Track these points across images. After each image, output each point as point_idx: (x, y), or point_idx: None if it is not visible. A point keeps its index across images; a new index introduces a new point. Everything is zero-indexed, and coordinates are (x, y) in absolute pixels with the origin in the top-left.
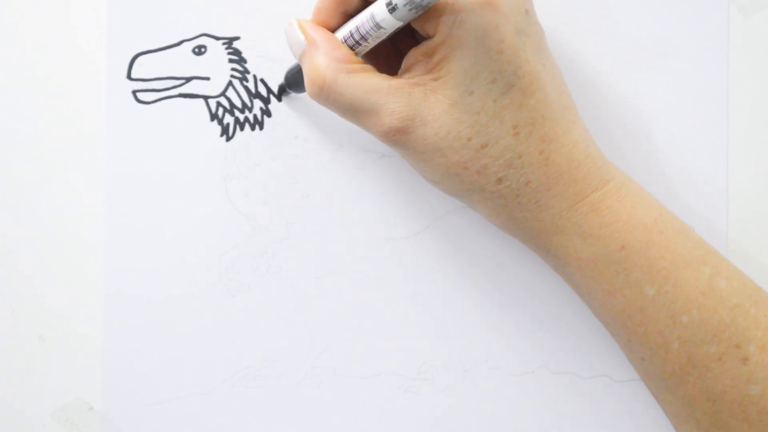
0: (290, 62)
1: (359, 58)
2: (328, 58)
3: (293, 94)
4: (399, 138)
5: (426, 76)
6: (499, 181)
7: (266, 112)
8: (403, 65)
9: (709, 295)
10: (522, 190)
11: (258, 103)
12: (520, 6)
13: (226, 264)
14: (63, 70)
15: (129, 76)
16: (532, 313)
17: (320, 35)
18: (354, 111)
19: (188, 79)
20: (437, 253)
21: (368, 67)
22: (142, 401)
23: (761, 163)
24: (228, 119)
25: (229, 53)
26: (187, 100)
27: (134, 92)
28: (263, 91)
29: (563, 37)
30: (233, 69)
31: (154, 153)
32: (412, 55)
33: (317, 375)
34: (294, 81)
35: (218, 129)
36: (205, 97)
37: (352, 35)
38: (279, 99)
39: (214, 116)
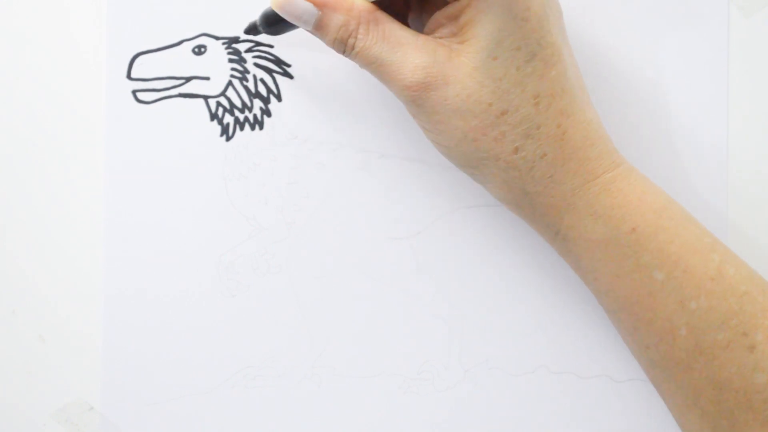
0: (290, 58)
1: (375, 6)
2: (351, 13)
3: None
4: (420, 95)
5: (452, 38)
6: (516, 150)
7: (266, 112)
8: (428, 27)
9: (719, 281)
10: (537, 162)
11: (258, 103)
12: None
13: (226, 264)
14: (63, 70)
15: (129, 76)
16: (532, 313)
17: None
18: (379, 63)
19: (188, 79)
20: (437, 253)
21: (389, 17)
22: (142, 401)
23: (761, 163)
24: (228, 119)
25: (229, 53)
26: (187, 99)
27: (134, 92)
28: (263, 90)
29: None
30: (233, 69)
31: (154, 153)
32: (438, 18)
33: (317, 375)
34: (273, 20)
35: (218, 129)
36: (205, 97)
37: None
38: (254, 33)
39: (214, 116)
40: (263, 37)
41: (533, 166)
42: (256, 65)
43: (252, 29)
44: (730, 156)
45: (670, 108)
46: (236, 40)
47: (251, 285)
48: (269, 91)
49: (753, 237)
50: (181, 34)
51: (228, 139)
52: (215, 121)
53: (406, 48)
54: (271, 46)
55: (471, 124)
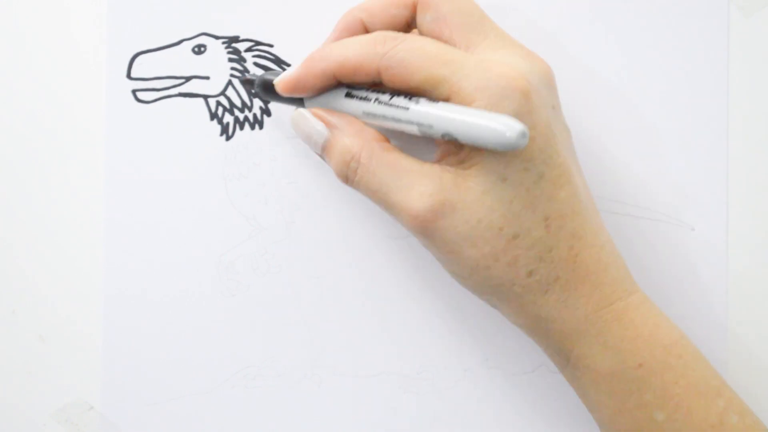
0: (290, 57)
1: (383, 135)
2: (358, 139)
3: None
4: (428, 225)
5: (458, 166)
6: (530, 274)
7: (266, 112)
8: (436, 155)
9: (719, 429)
10: (551, 286)
11: (258, 103)
12: (548, 101)
13: (226, 264)
14: (63, 69)
15: (129, 76)
16: None
17: (341, 119)
18: (384, 192)
19: (188, 79)
20: None
21: (395, 147)
22: (142, 401)
23: (761, 163)
24: (228, 118)
25: (228, 52)
26: (187, 99)
27: (134, 91)
28: None
29: (562, 36)
30: (233, 68)
31: (154, 152)
32: (444, 148)
33: (317, 374)
34: (269, 91)
35: (218, 128)
36: (205, 97)
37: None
38: (248, 87)
39: (213, 115)
40: (263, 37)
41: (547, 290)
42: (256, 65)
43: (248, 83)
44: (730, 156)
45: (669, 108)
46: (236, 39)
47: (251, 285)
48: None
49: (753, 237)
50: (180, 33)
51: (228, 138)
52: (215, 121)
53: (412, 175)
54: (271, 46)
55: (483, 250)
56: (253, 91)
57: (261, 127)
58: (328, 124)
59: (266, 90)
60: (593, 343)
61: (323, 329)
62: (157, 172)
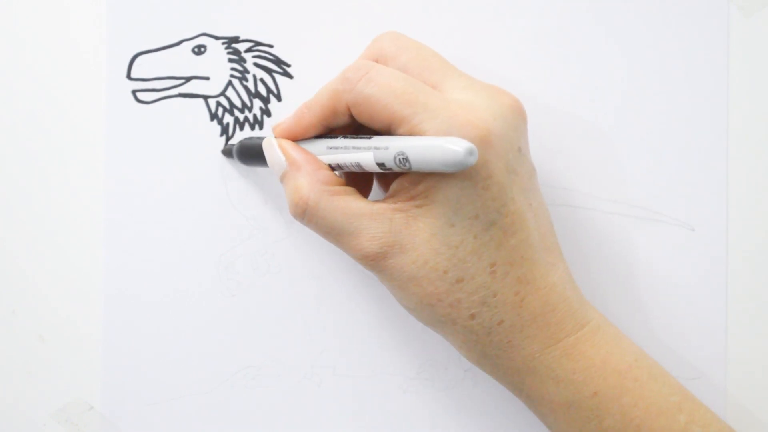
0: (290, 58)
1: (341, 179)
2: (310, 180)
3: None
4: (376, 263)
5: (410, 202)
6: (472, 317)
7: (266, 112)
8: (390, 190)
9: None
10: (494, 328)
11: (258, 103)
12: (514, 144)
13: (226, 264)
14: (63, 70)
15: (129, 76)
16: None
17: (301, 156)
18: (335, 233)
19: (188, 79)
20: None
21: (350, 189)
22: (142, 401)
23: (761, 163)
24: (228, 119)
25: (228, 53)
26: (187, 99)
27: (134, 92)
28: (263, 90)
29: (562, 37)
30: (233, 69)
31: (154, 153)
32: (400, 182)
33: (317, 374)
34: (246, 154)
35: (218, 129)
36: (205, 97)
37: (331, 167)
38: (228, 155)
39: (213, 116)
40: (263, 37)
41: (490, 332)
42: (256, 65)
43: (228, 152)
44: (730, 156)
45: (669, 108)
46: (236, 39)
47: (251, 285)
48: (269, 91)
49: (753, 237)
50: (180, 34)
51: (228, 139)
52: (215, 121)
53: (362, 219)
54: (271, 46)
55: (427, 290)
56: (228, 154)
57: (261, 127)
58: (288, 157)
59: (244, 153)
60: (544, 378)
61: (323, 329)
62: (158, 172)
